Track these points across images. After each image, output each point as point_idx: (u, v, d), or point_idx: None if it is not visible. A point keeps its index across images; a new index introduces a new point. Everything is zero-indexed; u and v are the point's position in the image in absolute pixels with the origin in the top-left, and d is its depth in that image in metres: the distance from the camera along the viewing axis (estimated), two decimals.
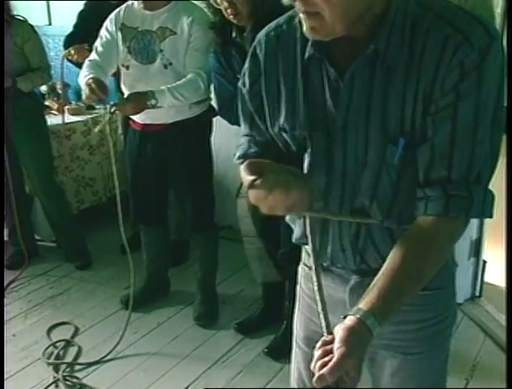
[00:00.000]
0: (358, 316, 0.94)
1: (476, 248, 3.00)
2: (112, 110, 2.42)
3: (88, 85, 2.40)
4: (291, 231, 1.31)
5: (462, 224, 1.04)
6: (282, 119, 1.15)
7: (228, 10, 2.19)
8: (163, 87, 2.45)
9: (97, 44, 2.70)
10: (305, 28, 1.00)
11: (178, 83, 2.49)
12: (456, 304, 1.35)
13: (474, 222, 2.93)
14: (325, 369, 0.89)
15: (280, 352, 2.62)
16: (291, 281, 2.56)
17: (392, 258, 1.02)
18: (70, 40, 3.31)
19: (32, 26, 3.24)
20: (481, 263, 3.05)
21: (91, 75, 2.48)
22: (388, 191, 1.09)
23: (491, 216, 1.04)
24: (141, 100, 2.42)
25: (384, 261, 1.04)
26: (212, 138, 2.79)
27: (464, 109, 0.98)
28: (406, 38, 0.99)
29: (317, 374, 0.90)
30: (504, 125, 1.03)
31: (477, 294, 3.08)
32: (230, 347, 2.72)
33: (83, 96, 2.50)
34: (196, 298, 3.00)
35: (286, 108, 1.14)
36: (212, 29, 2.36)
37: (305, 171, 1.16)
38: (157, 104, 2.43)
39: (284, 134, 1.16)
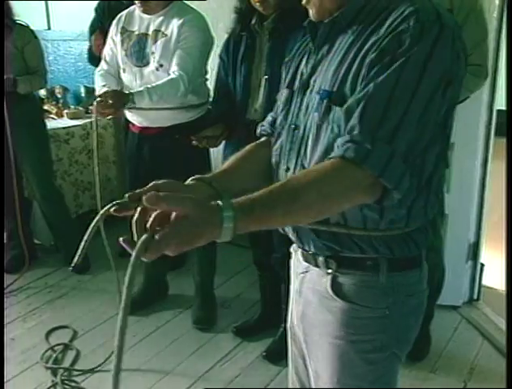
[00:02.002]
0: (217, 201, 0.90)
1: (474, 251, 3.00)
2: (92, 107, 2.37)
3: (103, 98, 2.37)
4: (283, 237, 1.32)
5: (366, 177, 0.98)
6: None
7: None
8: (141, 88, 2.47)
9: (105, 52, 2.76)
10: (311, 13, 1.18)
11: (158, 83, 2.50)
12: (405, 337, 1.24)
13: (471, 225, 2.94)
14: (154, 193, 0.85)
15: (279, 355, 2.62)
16: (286, 285, 2.57)
17: None
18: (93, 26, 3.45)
19: (32, 31, 3.27)
20: (479, 266, 3.05)
21: (105, 89, 2.50)
22: (310, 145, 1.14)
23: (394, 185, 0.99)
24: (119, 100, 2.39)
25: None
26: None
27: (390, 72, 0.99)
28: (372, 14, 1.09)
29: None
30: (432, 126, 1.02)
31: (475, 297, 3.08)
32: (228, 350, 2.72)
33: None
34: (194, 302, 3.00)
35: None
36: (236, 14, 2.40)
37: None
38: (135, 104, 2.42)
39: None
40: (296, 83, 1.24)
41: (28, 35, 3.22)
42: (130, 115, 2.78)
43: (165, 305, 3.11)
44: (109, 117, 2.66)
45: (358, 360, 1.22)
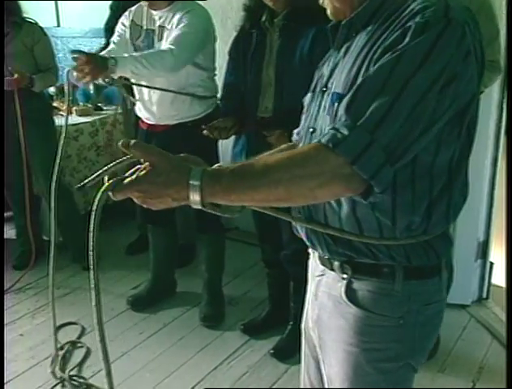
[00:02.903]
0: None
1: (483, 250, 2.99)
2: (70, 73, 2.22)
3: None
4: (294, 234, 1.32)
5: (342, 165, 0.95)
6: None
7: None
8: (126, 54, 2.44)
9: (113, 38, 2.76)
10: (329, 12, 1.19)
11: (147, 51, 2.48)
12: (420, 349, 1.23)
13: (481, 223, 2.92)
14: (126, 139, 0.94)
15: (286, 353, 2.62)
16: (295, 282, 2.57)
17: None
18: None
19: (42, 28, 3.27)
20: (488, 265, 3.03)
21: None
22: None
23: (369, 175, 0.95)
24: (99, 63, 2.23)
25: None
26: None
27: (384, 64, 0.98)
28: (387, 14, 1.07)
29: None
30: (426, 123, 0.98)
31: (484, 296, 3.07)
32: (236, 348, 2.72)
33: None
34: (202, 299, 3.00)
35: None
36: (245, 11, 2.40)
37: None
38: (117, 67, 2.27)
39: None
40: (318, 86, 1.24)
41: (38, 32, 3.22)
42: (138, 109, 2.80)
43: (173, 303, 3.11)
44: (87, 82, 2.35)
45: (370, 368, 1.20)
